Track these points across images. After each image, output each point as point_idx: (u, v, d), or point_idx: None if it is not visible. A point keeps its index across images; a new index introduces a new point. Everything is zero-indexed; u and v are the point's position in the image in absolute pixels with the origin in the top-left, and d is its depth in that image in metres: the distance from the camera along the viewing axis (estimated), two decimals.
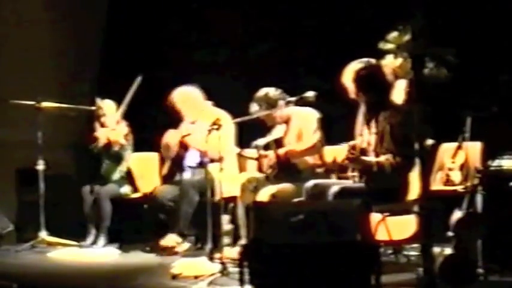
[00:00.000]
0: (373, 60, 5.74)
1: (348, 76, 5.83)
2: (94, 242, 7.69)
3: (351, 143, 5.62)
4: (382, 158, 5.61)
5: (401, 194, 5.62)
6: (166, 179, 7.61)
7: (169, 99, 7.47)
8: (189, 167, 7.43)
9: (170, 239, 7.16)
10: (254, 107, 6.82)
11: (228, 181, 6.44)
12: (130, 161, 7.99)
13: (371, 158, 5.69)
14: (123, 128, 7.95)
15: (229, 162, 6.86)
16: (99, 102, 7.96)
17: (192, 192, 7.17)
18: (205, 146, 6.64)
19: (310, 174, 6.45)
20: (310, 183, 5.81)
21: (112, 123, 7.92)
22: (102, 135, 7.93)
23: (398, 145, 5.58)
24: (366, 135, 5.80)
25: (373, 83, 5.74)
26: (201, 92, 7.50)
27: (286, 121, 6.82)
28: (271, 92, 6.82)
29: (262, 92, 6.85)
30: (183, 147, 7.47)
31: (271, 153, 6.69)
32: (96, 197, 7.73)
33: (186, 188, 7.19)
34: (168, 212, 7.37)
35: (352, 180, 5.80)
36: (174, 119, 7.58)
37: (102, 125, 7.96)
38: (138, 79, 7.74)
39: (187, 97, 7.48)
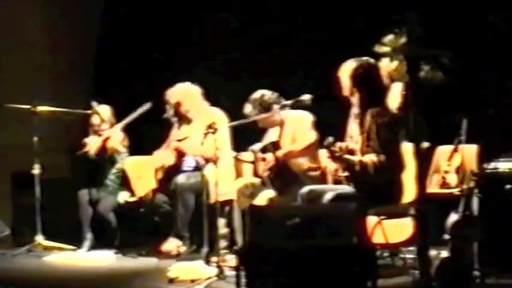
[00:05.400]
0: (372, 60, 5.74)
1: (345, 72, 5.83)
2: (91, 247, 7.67)
3: (329, 140, 5.60)
4: (366, 158, 5.61)
5: (396, 195, 5.62)
6: (162, 182, 7.56)
7: (169, 95, 7.45)
8: (184, 171, 7.41)
9: (171, 243, 7.15)
10: (248, 108, 6.81)
11: (224, 183, 6.42)
12: (125, 164, 7.95)
13: (355, 157, 5.68)
14: (118, 133, 7.92)
15: (225, 164, 6.85)
16: (95, 106, 7.95)
17: (188, 195, 7.15)
18: (201, 149, 6.63)
19: (306, 177, 6.45)
20: (305, 189, 5.80)
21: (106, 128, 7.90)
22: (92, 142, 7.92)
23: (383, 146, 5.58)
24: (355, 135, 5.80)
25: (369, 82, 5.73)
26: (200, 91, 7.49)
27: (280, 125, 6.81)
28: (267, 95, 6.81)
29: (258, 94, 6.84)
30: (179, 154, 7.44)
31: (269, 156, 6.68)
32: (97, 210, 7.72)
33: (181, 191, 7.18)
34: (163, 215, 7.37)
35: (347, 184, 5.79)
36: (169, 123, 7.58)
37: (96, 131, 7.95)
38: (146, 105, 7.69)
39: (188, 91, 7.47)
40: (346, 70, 5.83)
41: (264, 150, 6.75)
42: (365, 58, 5.79)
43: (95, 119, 7.94)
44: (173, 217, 7.24)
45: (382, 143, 5.58)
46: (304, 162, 6.63)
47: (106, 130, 7.90)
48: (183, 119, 7.48)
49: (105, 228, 7.70)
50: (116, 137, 7.88)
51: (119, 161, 7.92)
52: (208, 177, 6.58)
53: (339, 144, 5.69)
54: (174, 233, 7.19)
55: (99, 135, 7.91)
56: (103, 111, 7.96)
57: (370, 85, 5.74)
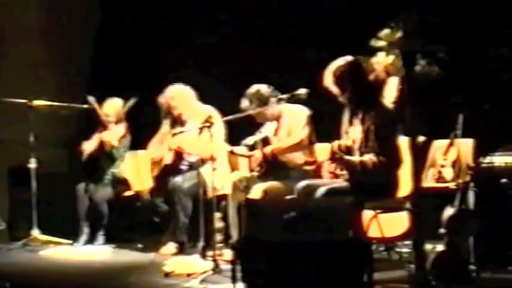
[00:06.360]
0: (349, 57, 5.69)
1: (328, 79, 5.75)
2: (87, 241, 7.68)
3: (334, 143, 5.61)
4: (366, 158, 5.59)
5: (391, 190, 5.62)
6: (159, 183, 7.53)
7: (162, 97, 7.44)
8: (181, 169, 7.39)
9: (170, 248, 7.14)
10: (245, 103, 6.80)
11: (220, 179, 6.42)
12: (123, 162, 7.97)
13: (355, 157, 5.67)
14: (121, 129, 7.93)
15: (220, 160, 6.83)
16: (92, 101, 7.95)
17: (186, 200, 7.13)
18: (198, 146, 6.62)
19: (300, 172, 6.45)
20: (302, 183, 5.79)
21: (112, 122, 7.93)
22: (88, 146, 7.97)
23: (382, 146, 5.57)
24: (351, 133, 5.79)
25: (352, 80, 5.67)
26: (193, 91, 7.48)
27: (277, 118, 6.81)
28: (263, 89, 6.81)
29: (254, 88, 6.83)
30: (177, 154, 7.42)
31: (257, 152, 6.68)
32: (93, 201, 7.74)
33: (179, 197, 7.14)
34: (162, 215, 7.37)
35: (343, 179, 5.79)
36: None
37: (105, 127, 7.96)
38: (131, 101, 7.77)
39: (180, 94, 7.45)
40: (329, 77, 5.73)
41: (253, 146, 6.74)
42: (342, 58, 5.72)
43: (102, 114, 7.95)
44: (170, 220, 7.24)
45: (381, 144, 5.56)
46: (300, 157, 6.63)
47: (112, 123, 7.93)
48: (177, 121, 7.47)
49: (100, 220, 7.73)
50: (117, 132, 7.89)
51: (118, 157, 7.93)
52: (204, 176, 6.56)
53: (336, 142, 5.68)
54: (172, 237, 7.19)
55: (106, 126, 7.93)
56: (113, 105, 7.97)
57: (354, 82, 5.67)
